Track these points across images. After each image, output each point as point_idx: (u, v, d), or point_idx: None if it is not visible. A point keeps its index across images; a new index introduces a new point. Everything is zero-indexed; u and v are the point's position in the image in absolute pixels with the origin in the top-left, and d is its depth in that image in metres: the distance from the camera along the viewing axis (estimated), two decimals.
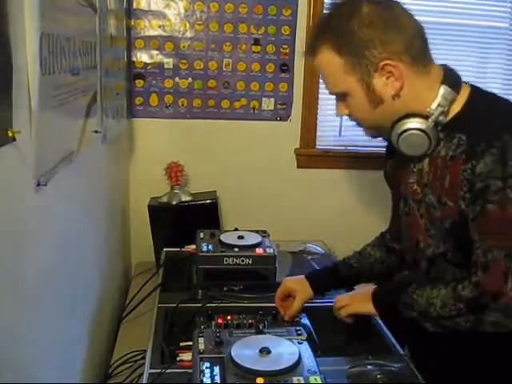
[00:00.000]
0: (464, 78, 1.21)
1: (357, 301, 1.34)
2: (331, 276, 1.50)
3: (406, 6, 1.17)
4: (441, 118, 1.14)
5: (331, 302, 1.42)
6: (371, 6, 1.13)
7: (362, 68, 1.13)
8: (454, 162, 1.11)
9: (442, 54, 2.54)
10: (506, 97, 1.19)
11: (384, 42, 1.11)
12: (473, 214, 1.08)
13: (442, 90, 1.14)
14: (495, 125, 1.08)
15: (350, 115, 1.23)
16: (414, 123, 1.14)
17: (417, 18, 1.17)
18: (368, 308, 1.30)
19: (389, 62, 1.12)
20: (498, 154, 1.03)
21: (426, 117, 1.14)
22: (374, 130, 1.25)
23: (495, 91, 1.07)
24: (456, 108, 1.15)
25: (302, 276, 1.50)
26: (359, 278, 1.50)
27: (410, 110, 1.15)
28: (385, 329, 1.45)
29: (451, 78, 1.17)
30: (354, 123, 1.27)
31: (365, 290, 1.36)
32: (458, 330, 1.13)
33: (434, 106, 1.13)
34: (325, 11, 1.26)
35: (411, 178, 1.24)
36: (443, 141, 1.15)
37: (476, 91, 1.18)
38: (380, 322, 1.47)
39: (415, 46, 1.14)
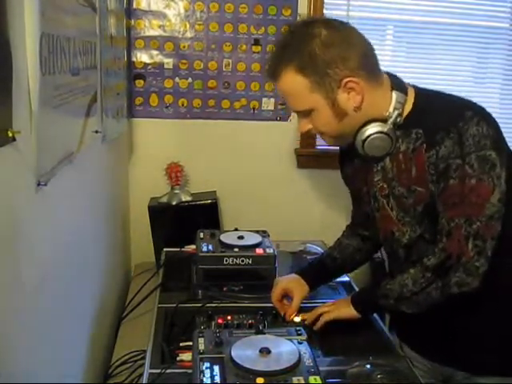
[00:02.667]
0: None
1: (338, 307, 1.40)
2: (320, 271, 1.56)
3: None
4: (398, 119, 1.26)
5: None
6: (327, 28, 1.22)
7: (326, 86, 1.22)
8: (417, 153, 1.24)
9: (442, 53, 2.57)
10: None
11: (343, 60, 1.20)
12: (438, 191, 1.21)
13: (395, 95, 1.26)
14: (447, 115, 1.21)
15: (312, 129, 1.31)
16: (376, 127, 1.25)
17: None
18: (350, 311, 1.37)
19: (350, 78, 1.21)
20: (456, 137, 1.17)
21: (384, 120, 1.25)
22: (336, 139, 1.34)
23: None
24: (407, 108, 1.27)
25: (294, 274, 1.53)
26: (343, 268, 1.60)
27: (370, 118, 1.26)
28: (385, 329, 1.45)
29: (398, 83, 1.29)
30: None
31: (345, 297, 1.49)
32: (431, 305, 1.25)
33: (391, 109, 1.25)
34: (284, 34, 1.33)
35: (376, 176, 1.34)
36: (401, 138, 1.27)
37: (419, 90, 1.30)
38: (380, 321, 1.47)
39: (369, 60, 1.25)
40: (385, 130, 1.25)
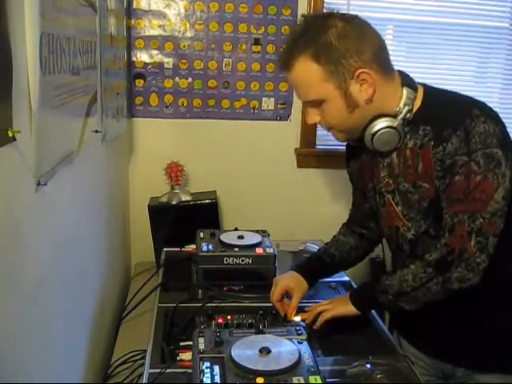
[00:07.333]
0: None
1: (336, 304, 1.39)
2: (318, 267, 1.56)
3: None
4: (408, 115, 1.27)
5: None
6: (342, 21, 1.23)
7: (339, 75, 1.22)
8: (424, 149, 1.25)
9: (442, 53, 2.57)
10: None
11: (358, 51, 1.21)
12: (443, 187, 1.23)
13: (405, 91, 1.28)
14: (455, 113, 1.22)
15: (321, 121, 1.31)
16: (385, 122, 1.27)
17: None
18: (349, 308, 1.36)
19: (363, 70, 1.22)
20: (463, 135, 1.18)
21: (394, 116, 1.27)
22: (345, 134, 1.34)
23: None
24: (416, 104, 1.29)
25: (292, 272, 1.52)
26: (340, 265, 1.60)
27: (381, 112, 1.27)
28: (385, 328, 1.45)
29: (409, 81, 1.30)
30: None
31: (343, 295, 1.48)
32: (430, 300, 1.25)
33: (401, 105, 1.27)
34: (298, 25, 1.32)
35: (382, 172, 1.36)
36: (409, 134, 1.28)
37: (429, 89, 1.32)
38: (380, 321, 1.47)
39: (382, 55, 1.26)
40: (394, 124, 1.26)
